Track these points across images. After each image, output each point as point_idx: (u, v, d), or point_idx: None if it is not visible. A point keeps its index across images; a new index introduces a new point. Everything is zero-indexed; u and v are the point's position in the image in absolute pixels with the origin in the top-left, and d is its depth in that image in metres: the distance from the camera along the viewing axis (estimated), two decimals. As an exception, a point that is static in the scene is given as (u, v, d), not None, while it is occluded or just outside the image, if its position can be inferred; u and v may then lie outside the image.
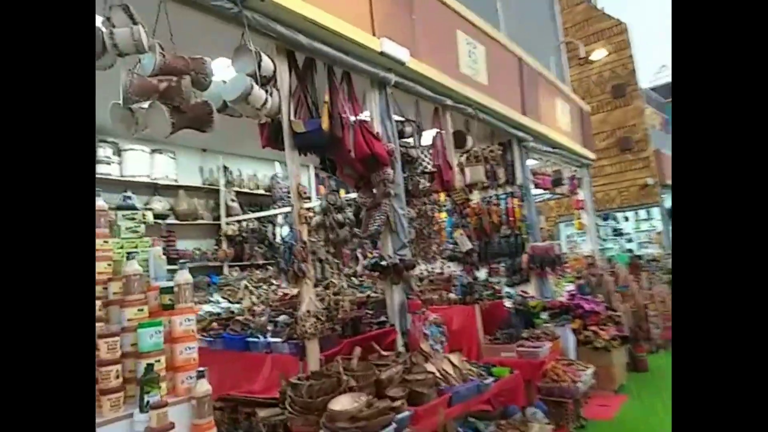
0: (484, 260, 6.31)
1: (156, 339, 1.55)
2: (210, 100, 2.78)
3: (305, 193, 2.92)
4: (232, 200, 5.70)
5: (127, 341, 1.56)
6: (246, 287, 3.76)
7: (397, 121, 3.87)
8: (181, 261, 2.20)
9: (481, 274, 6.37)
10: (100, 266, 1.63)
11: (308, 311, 2.80)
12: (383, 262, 3.40)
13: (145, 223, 2.07)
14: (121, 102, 2.23)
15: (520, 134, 5.86)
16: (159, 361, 1.56)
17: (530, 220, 5.90)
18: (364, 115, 3.63)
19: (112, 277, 1.66)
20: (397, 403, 2.52)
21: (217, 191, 5.85)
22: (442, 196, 5.25)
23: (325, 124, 3.03)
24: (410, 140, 4.04)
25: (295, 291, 3.77)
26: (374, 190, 3.52)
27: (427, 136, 4.62)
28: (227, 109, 2.77)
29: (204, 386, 1.66)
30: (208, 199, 5.90)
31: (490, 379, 3.17)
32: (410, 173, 3.78)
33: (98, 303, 1.56)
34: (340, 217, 3.21)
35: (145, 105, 2.36)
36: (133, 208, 5.05)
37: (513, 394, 3.56)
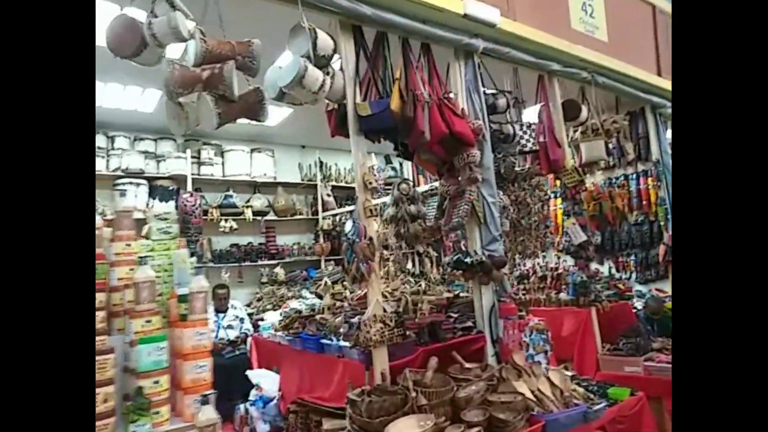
0: (609, 252, 5.44)
1: (156, 357, 1.41)
2: (270, 88, 2.63)
3: (371, 183, 2.63)
4: (328, 195, 5.68)
5: (134, 356, 1.44)
6: (326, 284, 3.62)
7: (487, 94, 3.37)
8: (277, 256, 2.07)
9: (605, 268, 5.50)
10: (122, 271, 1.53)
11: (374, 315, 2.52)
12: (467, 259, 2.97)
13: (176, 223, 1.95)
14: (167, 97, 2.15)
15: (655, 99, 4.83)
16: (158, 382, 1.42)
17: (670, 203, 4.87)
18: (449, 92, 3.20)
19: (128, 284, 1.57)
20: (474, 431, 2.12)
21: (315, 186, 5.89)
22: (556, 180, 4.56)
23: (394, 104, 2.70)
24: (505, 115, 3.50)
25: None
26: (459, 177, 3.09)
27: (532, 111, 4.01)
28: (286, 97, 2.58)
29: (208, 414, 1.47)
30: (306, 195, 5.97)
31: (602, 404, 2.57)
32: (503, 154, 3.25)
33: (101, 314, 1.45)
34: (412, 208, 2.86)
35: (195, 98, 2.27)
36: (233, 206, 5.31)
37: (636, 421, 2.88)
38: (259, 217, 5.37)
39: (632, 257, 5.23)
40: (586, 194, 4.21)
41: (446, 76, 3.31)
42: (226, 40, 2.27)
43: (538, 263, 4.88)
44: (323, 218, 5.73)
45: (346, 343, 2.80)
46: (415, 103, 2.77)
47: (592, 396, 2.72)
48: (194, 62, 2.15)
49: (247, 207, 5.23)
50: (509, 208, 3.43)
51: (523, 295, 4.35)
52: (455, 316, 3.13)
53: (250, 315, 4.80)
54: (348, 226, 2.56)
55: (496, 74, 3.62)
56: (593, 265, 5.40)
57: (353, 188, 6.16)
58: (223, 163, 5.24)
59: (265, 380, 3.67)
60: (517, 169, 3.36)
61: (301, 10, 2.47)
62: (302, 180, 5.94)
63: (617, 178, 5.26)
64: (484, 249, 3.11)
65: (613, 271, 5.47)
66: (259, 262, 5.33)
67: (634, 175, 5.11)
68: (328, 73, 2.62)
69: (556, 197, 5.41)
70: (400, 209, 2.91)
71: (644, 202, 4.94)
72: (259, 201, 5.38)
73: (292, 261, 5.59)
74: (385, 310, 2.60)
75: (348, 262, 2.54)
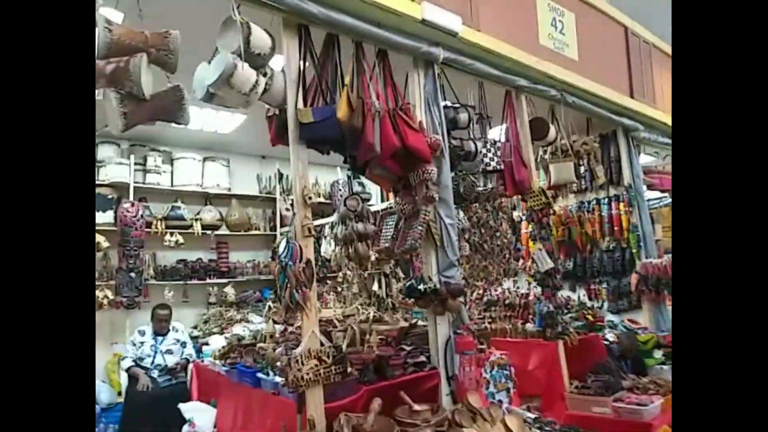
0: (582, 279, 5.23)
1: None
2: (198, 87, 2.35)
3: (310, 198, 2.34)
4: (287, 209, 5.36)
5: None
6: (269, 308, 3.28)
7: (448, 108, 3.14)
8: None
9: (576, 296, 5.29)
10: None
11: (309, 350, 2.20)
12: (421, 286, 2.68)
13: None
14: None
15: (627, 122, 4.71)
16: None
17: (642, 229, 4.71)
18: (408, 103, 2.96)
19: None
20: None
21: (274, 200, 5.57)
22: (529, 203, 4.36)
23: (341, 112, 2.44)
24: (468, 131, 3.27)
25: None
26: (415, 195, 2.83)
27: (499, 129, 3.81)
28: (214, 98, 2.30)
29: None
30: (264, 209, 5.65)
31: (564, 458, 2.28)
32: (463, 172, 3.01)
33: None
34: (359, 226, 2.58)
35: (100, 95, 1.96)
36: (180, 218, 4.95)
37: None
38: (209, 231, 5.01)
39: (604, 285, 5.02)
40: (555, 218, 4.01)
41: (405, 87, 3.08)
42: (139, 30, 1.98)
43: (509, 289, 4.64)
44: (281, 234, 5.40)
45: (281, 379, 2.47)
46: (364, 113, 2.52)
47: (553, 445, 2.44)
48: (97, 54, 1.85)
49: (197, 220, 4.86)
50: (470, 231, 3.17)
51: (489, 324, 4.07)
52: (408, 349, 2.83)
53: (195, 338, 4.41)
54: (282, 246, 2.26)
55: (460, 88, 3.42)
56: (563, 293, 5.19)
57: (318, 203, 5.88)
58: (171, 172, 4.89)
59: (200, 415, 3.27)
60: (479, 188, 3.11)
61: (233, 1, 2.20)
62: (260, 193, 5.60)
63: (589, 203, 5.08)
64: (440, 275, 2.84)
65: (585, 299, 5.25)
66: (208, 281, 4.94)
67: (606, 200, 4.93)
68: (264, 74, 2.35)
69: (525, 221, 5.22)
70: (347, 228, 2.62)
71: (616, 228, 4.75)
72: (210, 214, 5.02)
73: (245, 280, 5.22)
74: (322, 344, 2.29)
75: (280, 288, 2.23)
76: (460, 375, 2.70)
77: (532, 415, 2.84)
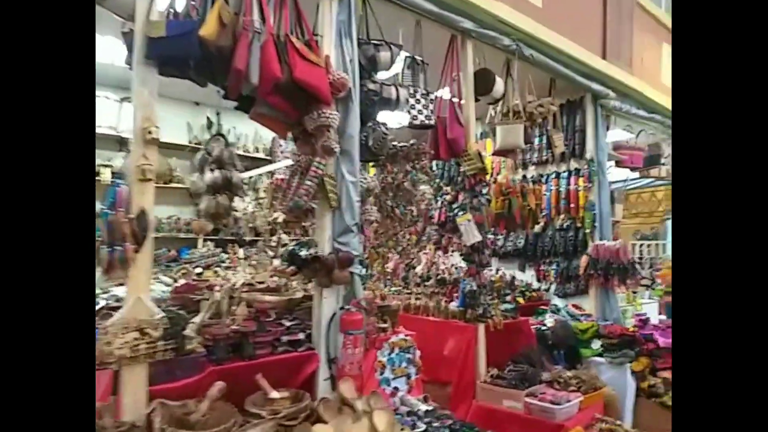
0: (531, 258, 4.89)
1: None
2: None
3: (150, 134, 1.88)
4: None
5: None
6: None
7: (365, 43, 2.66)
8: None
9: (526, 276, 4.96)
10: None
11: (125, 322, 1.80)
12: (302, 252, 2.28)
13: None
14: None
15: (597, 87, 4.26)
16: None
17: (599, 209, 4.34)
18: (316, 34, 2.47)
19: None
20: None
21: (205, 151, 5.06)
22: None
23: (206, 28, 1.97)
24: (389, 74, 2.80)
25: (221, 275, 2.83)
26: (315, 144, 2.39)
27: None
28: None
29: None
30: (193, 161, 5.14)
31: (436, 465, 1.96)
32: (373, 124, 2.56)
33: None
34: (217, 175, 2.13)
35: None
36: None
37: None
38: (119, 180, 4.50)
39: (554, 266, 4.69)
40: (495, 188, 3.60)
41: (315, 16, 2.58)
42: None
43: (442, 264, 4.27)
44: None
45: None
46: (236, 31, 2.03)
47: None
48: None
49: (106, 166, 4.38)
50: (381, 193, 2.75)
51: (416, 300, 3.73)
52: (288, 324, 2.45)
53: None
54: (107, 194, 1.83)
55: (392, 27, 2.91)
56: (509, 272, 4.86)
57: (256, 158, 5.37)
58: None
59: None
60: (398, 144, 2.67)
61: None
62: (190, 142, 5.09)
63: (548, 175, 4.68)
64: (335, 240, 2.43)
65: (533, 280, 4.93)
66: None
67: (566, 174, 4.53)
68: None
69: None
70: (201, 177, 2.18)
71: (572, 205, 4.38)
72: (122, 161, 4.53)
73: (160, 237, 4.78)
74: (152, 314, 1.89)
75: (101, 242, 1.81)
76: (342, 358, 2.34)
77: (425, 407, 2.52)
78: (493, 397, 2.93)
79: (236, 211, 4.07)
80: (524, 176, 4.35)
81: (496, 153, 3.59)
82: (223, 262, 4.09)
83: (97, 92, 4.51)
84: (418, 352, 2.84)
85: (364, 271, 2.64)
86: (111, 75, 4.38)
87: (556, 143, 3.90)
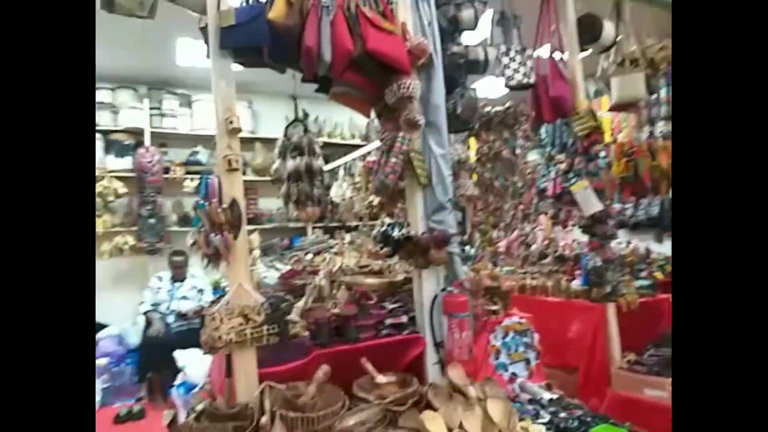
0: (669, 227, 4.25)
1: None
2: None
3: (232, 123, 1.93)
4: None
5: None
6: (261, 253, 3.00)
7: (444, 3, 2.47)
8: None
9: (664, 248, 4.33)
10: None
11: (230, 308, 1.86)
12: (395, 233, 2.19)
13: None
14: None
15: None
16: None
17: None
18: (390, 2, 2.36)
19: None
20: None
21: (305, 143, 5.23)
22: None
23: (275, 11, 1.96)
24: (477, 35, 2.58)
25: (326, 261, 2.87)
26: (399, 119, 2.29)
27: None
28: (116, 7, 1.93)
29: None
30: (295, 153, 5.36)
31: (560, 460, 1.73)
32: (461, 89, 2.37)
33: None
34: (297, 162, 2.11)
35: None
36: (199, 163, 4.85)
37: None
38: (208, 174, 4.87)
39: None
40: (616, 149, 3.15)
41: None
42: None
43: (565, 240, 3.88)
44: (311, 181, 5.08)
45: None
46: (305, 9, 2.00)
47: (552, 441, 1.88)
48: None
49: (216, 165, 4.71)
50: (478, 164, 2.53)
51: (532, 279, 3.44)
52: (390, 308, 2.37)
53: (217, 287, 4.37)
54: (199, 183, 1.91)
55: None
56: (642, 244, 4.28)
57: (351, 145, 5.43)
58: (191, 115, 4.77)
59: (192, 363, 3.20)
60: (491, 109, 2.44)
61: None
62: (289, 136, 5.30)
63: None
64: (429, 219, 2.30)
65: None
66: (233, 229, 4.83)
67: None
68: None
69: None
70: (283, 164, 2.18)
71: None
72: (206, 155, 4.86)
73: (272, 228, 5.05)
74: (256, 300, 1.94)
75: (197, 233, 1.89)
76: (449, 342, 2.20)
77: (549, 395, 2.27)
78: (631, 386, 2.55)
79: (330, 197, 4.13)
80: (651, 133, 3.76)
81: (613, 108, 3.14)
82: (332, 247, 4.19)
83: (203, 95, 4.87)
84: (536, 336, 2.59)
85: (464, 249, 2.46)
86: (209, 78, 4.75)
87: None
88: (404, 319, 2.32)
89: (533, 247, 3.93)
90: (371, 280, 2.59)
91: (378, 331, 2.27)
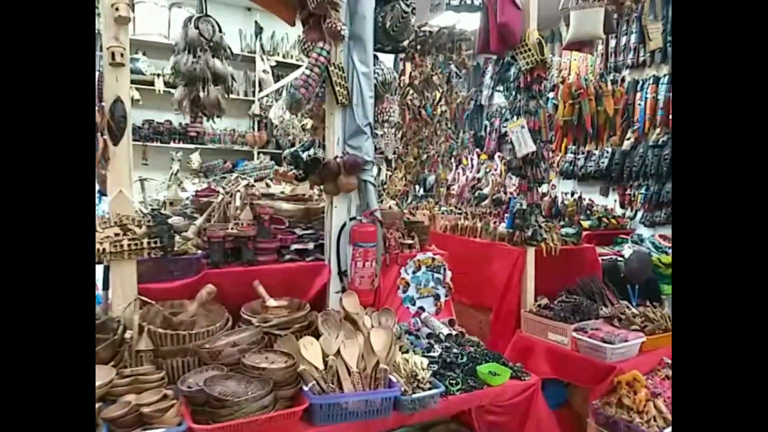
0: (616, 181, 4.25)
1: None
2: None
3: (119, 10, 1.71)
4: (265, 71, 4.69)
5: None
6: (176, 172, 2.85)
7: None
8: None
9: (609, 201, 4.35)
10: None
11: (106, 217, 1.74)
12: (304, 154, 2.06)
13: None
14: None
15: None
16: None
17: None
18: None
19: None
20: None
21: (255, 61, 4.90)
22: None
23: None
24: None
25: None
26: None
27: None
28: None
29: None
30: (247, 70, 5.03)
31: (433, 391, 1.74)
32: (393, 1, 2.16)
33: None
34: (192, 64, 1.93)
35: None
36: (139, 72, 4.51)
37: (515, 416, 2.06)
38: (173, 90, 4.57)
39: (642, 190, 4.01)
40: (564, 90, 3.02)
41: None
42: None
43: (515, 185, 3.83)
44: (259, 100, 4.81)
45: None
46: None
47: (451, 374, 1.90)
48: None
49: (158, 75, 4.42)
50: (415, 90, 2.38)
51: (466, 220, 3.40)
52: (300, 233, 2.30)
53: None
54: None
55: None
56: (588, 196, 4.29)
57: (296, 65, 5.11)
58: (133, 19, 4.39)
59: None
60: (428, 28, 2.25)
61: None
62: (241, 51, 4.95)
63: (645, 81, 3.89)
64: (345, 143, 2.17)
65: (616, 206, 4.30)
66: (172, 145, 4.63)
67: (666, 78, 3.72)
68: None
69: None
70: (187, 62, 1.98)
71: (670, 117, 3.62)
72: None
73: (216, 148, 4.84)
74: (134, 208, 1.82)
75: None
76: (351, 272, 2.16)
77: (448, 330, 2.28)
78: (537, 330, 2.60)
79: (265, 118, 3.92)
80: (602, 75, 3.62)
81: (567, 46, 2.97)
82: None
83: None
84: (449, 273, 2.58)
85: (376, 177, 2.36)
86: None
87: (651, 35, 3.14)
88: (311, 245, 2.25)
89: (486, 191, 3.88)
90: (288, 206, 2.49)
91: (281, 256, 2.20)
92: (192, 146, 4.59)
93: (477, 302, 2.99)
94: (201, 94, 2.08)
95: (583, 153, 4.46)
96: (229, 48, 2.25)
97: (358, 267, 2.14)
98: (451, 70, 2.48)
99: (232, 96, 4.91)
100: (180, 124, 4.74)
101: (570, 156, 4.62)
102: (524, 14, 2.61)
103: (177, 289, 1.94)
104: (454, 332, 2.30)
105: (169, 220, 2.32)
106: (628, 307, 2.60)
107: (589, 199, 4.25)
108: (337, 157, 2.12)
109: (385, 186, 2.86)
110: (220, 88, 2.13)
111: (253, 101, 4.92)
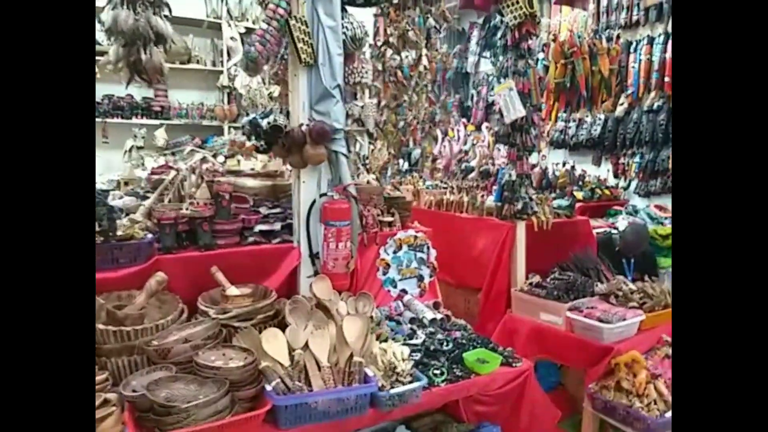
0: (609, 149, 4.07)
1: None
2: None
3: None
4: (232, 38, 4.37)
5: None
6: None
7: None
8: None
9: (601, 171, 4.19)
10: None
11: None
12: (264, 121, 1.83)
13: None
14: None
15: None
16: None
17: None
18: None
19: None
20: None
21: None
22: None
23: None
24: None
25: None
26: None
27: None
28: None
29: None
30: (213, 38, 4.70)
31: (414, 385, 1.57)
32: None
33: None
34: (125, 18, 1.67)
35: None
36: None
37: (509, 404, 1.90)
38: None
39: (637, 158, 3.84)
40: (555, 48, 2.79)
41: None
42: None
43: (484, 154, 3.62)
44: (227, 70, 4.50)
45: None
46: None
47: (435, 362, 1.72)
48: None
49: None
50: (389, 47, 2.13)
51: (451, 194, 3.20)
52: (267, 212, 2.08)
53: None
54: None
55: None
56: (581, 166, 4.11)
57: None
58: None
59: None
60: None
61: None
62: (207, 16, 4.60)
63: (638, 42, 3.68)
64: (311, 109, 1.94)
65: (610, 175, 4.14)
66: (135, 120, 4.32)
67: (662, 38, 3.51)
68: None
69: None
70: (131, 16, 1.72)
71: (667, 80, 3.42)
72: None
73: (183, 124, 4.54)
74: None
75: None
76: (324, 253, 1.95)
77: (432, 314, 2.10)
78: (529, 309, 2.44)
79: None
80: (595, 31, 3.40)
81: (558, 0, 2.74)
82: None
83: None
84: (433, 252, 2.39)
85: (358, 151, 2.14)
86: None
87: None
88: (277, 226, 2.03)
89: (473, 163, 3.68)
90: (253, 182, 2.26)
91: (243, 239, 1.98)
92: (156, 122, 4.29)
93: (465, 282, 2.81)
94: (142, 57, 1.81)
95: (574, 121, 4.27)
96: (169, 5, 1.99)
97: (330, 248, 1.93)
98: (430, 24, 2.24)
99: (198, 66, 4.63)
100: (143, 98, 4.42)
101: (561, 124, 4.43)
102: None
103: (123, 279, 1.72)
104: (439, 316, 2.13)
105: (120, 201, 2.11)
106: (625, 283, 2.44)
107: (582, 170, 4.08)
108: (302, 124, 1.89)
109: (367, 161, 2.63)
110: (161, 50, 1.87)
111: (221, 72, 4.61)
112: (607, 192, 3.74)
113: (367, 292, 1.97)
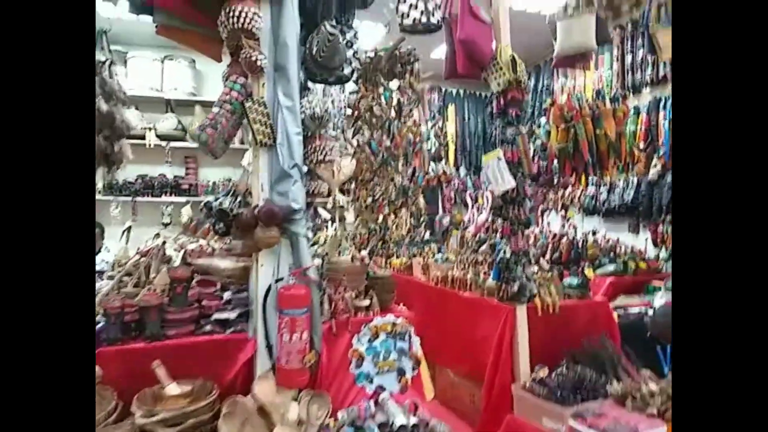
0: (647, 216, 3.67)
1: None
2: None
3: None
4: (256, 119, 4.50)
5: None
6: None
7: None
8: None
9: (639, 241, 3.76)
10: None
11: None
12: (215, 203, 1.75)
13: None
14: None
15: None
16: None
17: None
18: None
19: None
20: None
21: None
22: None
23: None
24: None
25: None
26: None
27: None
28: None
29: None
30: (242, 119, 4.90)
31: None
32: (321, 25, 1.87)
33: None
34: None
35: None
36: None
37: None
38: (163, 143, 4.46)
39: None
40: (555, 111, 2.58)
41: None
42: None
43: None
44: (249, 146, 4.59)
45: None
46: None
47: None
48: None
49: (149, 129, 4.34)
50: (364, 122, 2.03)
51: (460, 271, 2.95)
52: (229, 298, 1.95)
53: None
54: None
55: None
56: (613, 234, 3.72)
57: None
58: (125, 74, 4.37)
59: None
60: (372, 52, 1.93)
61: None
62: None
63: (668, 98, 3.38)
64: (272, 189, 1.84)
65: (649, 245, 3.69)
66: (163, 198, 4.48)
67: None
68: None
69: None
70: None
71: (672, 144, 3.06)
72: (167, 123, 4.45)
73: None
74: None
75: None
76: (277, 346, 1.77)
77: (403, 420, 1.81)
78: (531, 411, 2.07)
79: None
80: (598, 93, 3.13)
81: (557, 63, 2.56)
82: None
83: (138, 52, 4.48)
84: (417, 340, 2.12)
85: (309, 230, 2.00)
86: (152, 34, 4.33)
87: (662, 43, 2.65)
88: (234, 314, 1.88)
89: (470, 230, 3.44)
90: (225, 263, 2.16)
91: (199, 328, 1.85)
92: (183, 199, 4.44)
93: (469, 372, 2.48)
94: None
95: (605, 185, 3.93)
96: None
97: (284, 341, 1.75)
98: (398, 97, 2.13)
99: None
100: (174, 176, 4.63)
101: (591, 189, 4.09)
102: (495, 29, 2.25)
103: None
104: (413, 421, 1.83)
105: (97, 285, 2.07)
106: (646, 382, 2.02)
107: (612, 239, 3.67)
108: (256, 206, 1.78)
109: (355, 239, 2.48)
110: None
111: (247, 149, 4.75)
112: (642, 265, 3.29)
113: (323, 393, 1.74)
